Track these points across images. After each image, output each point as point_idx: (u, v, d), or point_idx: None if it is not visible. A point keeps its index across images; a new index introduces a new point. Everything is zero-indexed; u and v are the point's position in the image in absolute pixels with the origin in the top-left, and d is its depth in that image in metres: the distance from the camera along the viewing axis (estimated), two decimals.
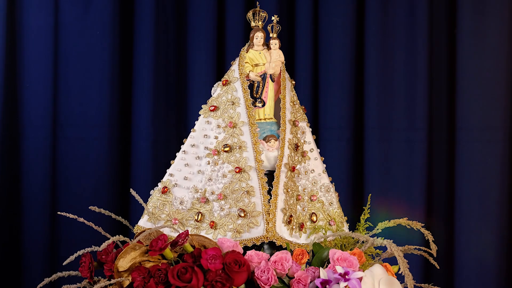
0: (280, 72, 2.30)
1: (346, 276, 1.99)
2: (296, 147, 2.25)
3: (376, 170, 3.26)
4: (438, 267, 2.27)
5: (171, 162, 2.26)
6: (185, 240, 2.01)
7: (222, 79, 2.29)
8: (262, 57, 2.28)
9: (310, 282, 2.02)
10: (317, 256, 2.11)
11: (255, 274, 2.00)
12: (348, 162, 3.28)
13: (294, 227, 2.18)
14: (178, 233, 2.05)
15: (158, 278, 1.95)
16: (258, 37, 2.29)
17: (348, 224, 2.37)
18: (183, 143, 2.26)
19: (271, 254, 2.07)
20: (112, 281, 2.00)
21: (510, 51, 3.22)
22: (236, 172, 2.18)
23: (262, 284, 1.99)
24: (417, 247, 2.25)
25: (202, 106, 2.28)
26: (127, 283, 2.00)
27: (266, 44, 2.30)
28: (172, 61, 3.29)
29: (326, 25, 3.27)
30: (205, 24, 3.25)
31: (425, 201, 3.25)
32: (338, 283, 1.99)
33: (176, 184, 2.23)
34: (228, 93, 2.26)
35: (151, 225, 2.20)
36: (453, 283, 3.23)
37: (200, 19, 3.26)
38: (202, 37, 3.26)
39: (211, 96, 2.29)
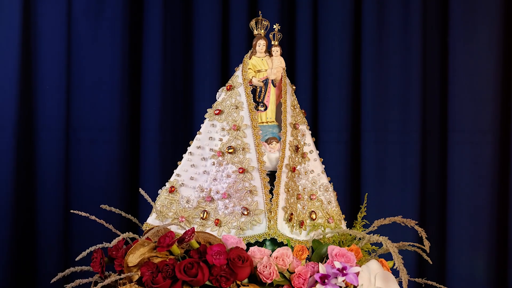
0: (281, 78, 2.29)
1: (344, 271, 1.99)
2: (297, 148, 2.25)
3: (372, 170, 3.26)
4: (431, 263, 2.27)
5: (178, 163, 2.25)
6: (191, 237, 2.01)
7: (227, 85, 2.28)
8: (264, 63, 2.28)
9: (310, 276, 2.02)
10: (317, 252, 2.11)
11: (258, 269, 2.00)
12: (346, 163, 3.28)
13: (294, 224, 2.18)
14: (185, 230, 2.05)
15: (166, 273, 1.95)
16: (260, 45, 2.28)
17: (346, 222, 2.37)
18: (189, 145, 2.26)
19: (272, 250, 2.06)
20: (122, 275, 2.00)
21: (499, 57, 3.22)
22: (239, 172, 2.18)
23: (264, 279, 1.99)
24: (411, 243, 2.24)
25: (208, 110, 2.28)
26: (136, 277, 2.00)
27: (268, 51, 2.29)
28: (179, 67, 3.29)
29: (325, 33, 3.27)
30: (210, 32, 3.26)
31: (418, 199, 3.25)
32: (336, 277, 1.99)
33: (183, 183, 2.23)
34: (232, 97, 2.26)
35: (159, 223, 2.20)
36: (445, 278, 3.22)
37: (205, 28, 3.26)
38: (208, 44, 3.26)
39: (216, 100, 2.29)
